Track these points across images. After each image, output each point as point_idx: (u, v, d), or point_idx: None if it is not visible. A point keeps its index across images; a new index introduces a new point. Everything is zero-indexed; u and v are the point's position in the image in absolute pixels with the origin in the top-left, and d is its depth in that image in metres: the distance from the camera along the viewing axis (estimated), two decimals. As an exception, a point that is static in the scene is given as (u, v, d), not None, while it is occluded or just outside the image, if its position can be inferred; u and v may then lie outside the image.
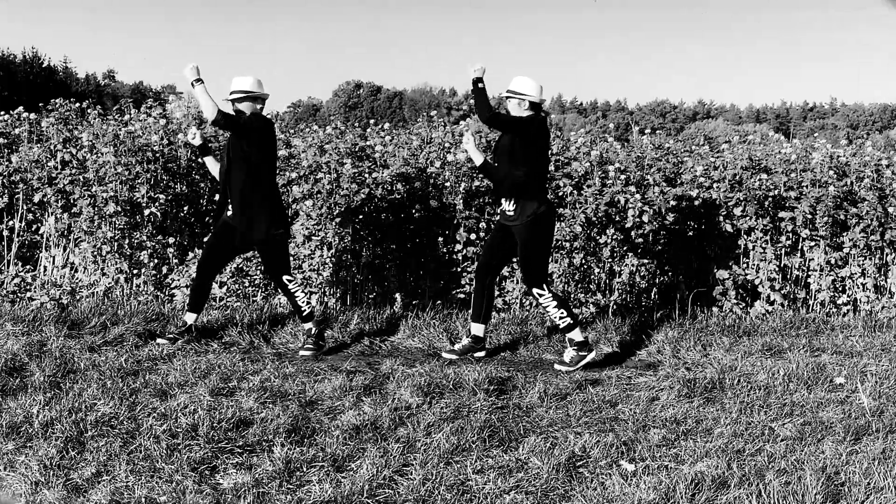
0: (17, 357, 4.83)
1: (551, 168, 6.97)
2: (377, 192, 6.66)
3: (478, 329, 5.52)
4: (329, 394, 4.45)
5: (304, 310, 5.48)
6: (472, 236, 6.66)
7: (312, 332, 5.50)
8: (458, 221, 6.69)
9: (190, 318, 5.56)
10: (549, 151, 6.01)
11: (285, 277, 5.46)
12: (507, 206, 5.29)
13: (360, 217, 6.66)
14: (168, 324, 5.82)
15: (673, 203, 6.86)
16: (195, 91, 5.07)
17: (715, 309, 6.91)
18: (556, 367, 5.23)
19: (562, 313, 5.26)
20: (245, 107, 5.29)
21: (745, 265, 7.04)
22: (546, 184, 5.49)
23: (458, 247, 6.67)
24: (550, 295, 5.28)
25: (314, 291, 6.63)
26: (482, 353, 5.49)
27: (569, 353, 5.30)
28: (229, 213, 5.40)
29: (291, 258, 6.48)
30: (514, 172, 5.19)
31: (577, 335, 5.32)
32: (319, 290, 6.64)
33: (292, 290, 5.43)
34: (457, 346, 5.50)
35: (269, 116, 5.65)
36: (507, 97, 5.29)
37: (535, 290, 5.28)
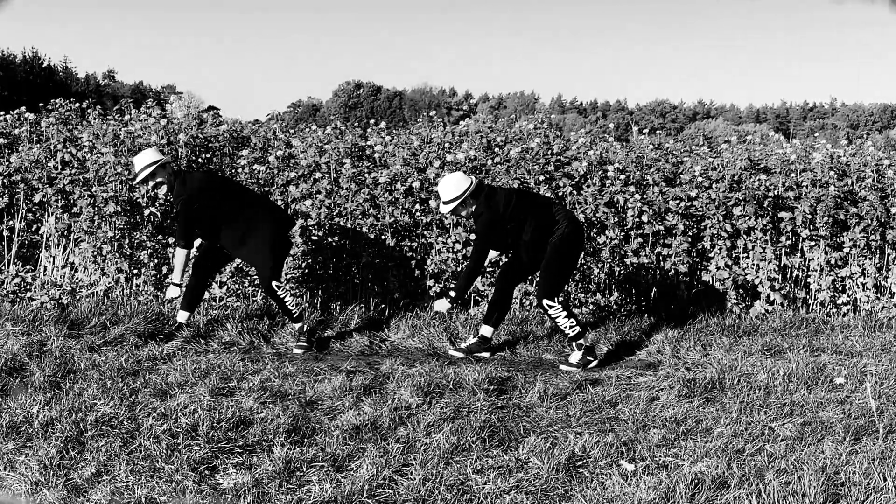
0: (17, 357, 4.83)
1: (551, 168, 6.97)
2: (377, 192, 6.66)
3: (487, 331, 5.57)
4: (329, 394, 4.45)
5: (294, 312, 5.56)
6: (472, 236, 6.65)
7: (304, 329, 5.58)
8: (458, 221, 6.69)
9: (182, 316, 5.59)
10: (527, 184, 6.29)
11: (275, 283, 5.50)
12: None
13: (360, 217, 6.66)
14: (169, 324, 5.82)
15: (672, 203, 6.86)
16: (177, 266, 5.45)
17: (715, 309, 6.91)
18: (562, 367, 5.24)
19: (571, 323, 5.29)
20: (161, 178, 5.41)
21: (745, 265, 7.04)
22: (557, 210, 5.42)
23: (458, 246, 6.67)
24: (560, 306, 5.29)
25: (315, 292, 6.63)
26: (487, 354, 5.51)
27: (575, 356, 5.33)
28: None
29: (291, 258, 6.49)
30: (525, 240, 5.27)
31: (585, 341, 5.38)
32: (319, 290, 6.64)
33: (281, 296, 5.49)
34: (463, 345, 5.53)
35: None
36: (455, 207, 5.23)
37: (545, 302, 5.26)
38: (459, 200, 5.19)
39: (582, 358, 5.31)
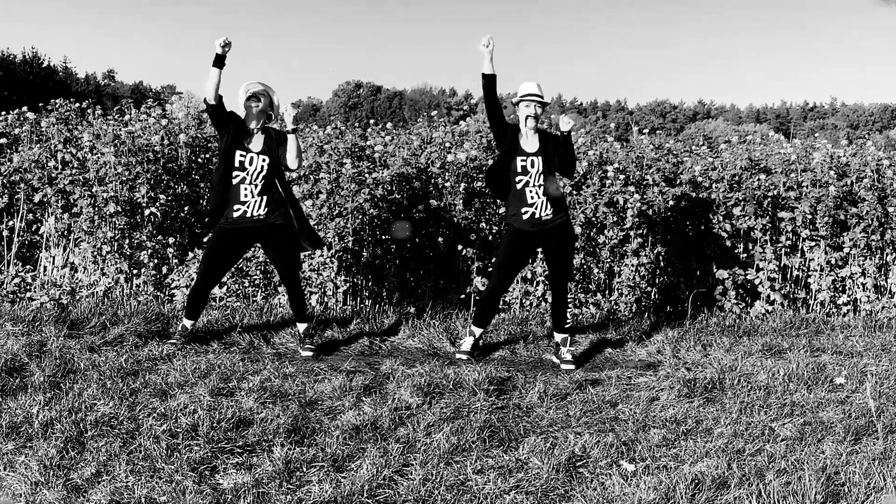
0: (17, 357, 4.82)
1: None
2: (377, 192, 6.66)
3: (478, 331, 5.57)
4: (329, 394, 4.45)
5: (308, 309, 5.55)
6: (472, 236, 6.66)
7: (310, 331, 5.54)
8: (460, 222, 6.69)
9: (188, 324, 5.52)
10: None
11: (299, 273, 5.49)
12: (545, 211, 5.25)
13: (360, 217, 6.66)
14: (169, 324, 5.82)
15: (672, 203, 6.85)
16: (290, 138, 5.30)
17: (715, 309, 6.91)
18: (563, 367, 5.25)
19: (572, 313, 5.38)
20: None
21: (744, 265, 7.03)
22: None
23: (458, 247, 6.68)
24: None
25: (314, 291, 6.63)
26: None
27: (570, 352, 5.38)
28: (236, 214, 5.22)
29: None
30: (564, 179, 5.32)
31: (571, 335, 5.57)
32: (319, 290, 6.64)
33: (303, 288, 5.46)
34: (464, 347, 5.52)
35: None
36: (544, 104, 5.29)
37: (569, 285, 5.44)
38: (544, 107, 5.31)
39: (573, 350, 5.47)
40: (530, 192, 5.21)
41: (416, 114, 13.89)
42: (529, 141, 5.29)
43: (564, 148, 5.26)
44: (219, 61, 5.10)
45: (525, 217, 5.24)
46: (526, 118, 5.25)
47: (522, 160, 5.22)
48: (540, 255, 6.21)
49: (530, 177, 5.21)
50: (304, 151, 5.28)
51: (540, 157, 5.22)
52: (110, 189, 6.58)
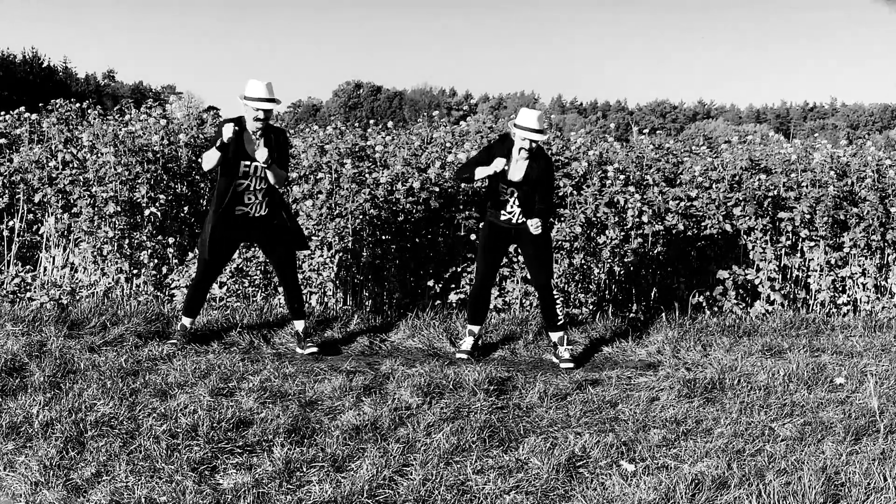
0: (17, 357, 4.83)
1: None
2: (377, 193, 6.66)
3: (476, 329, 5.59)
4: (329, 394, 4.45)
5: (304, 307, 5.57)
6: (472, 237, 6.65)
7: (308, 330, 5.59)
8: (458, 222, 6.69)
9: (187, 322, 5.54)
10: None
11: (297, 271, 5.53)
12: (520, 218, 5.37)
13: (360, 217, 6.66)
14: (169, 324, 5.82)
15: (672, 203, 6.85)
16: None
17: (715, 309, 6.91)
18: (563, 366, 5.26)
19: (563, 311, 5.38)
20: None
21: (744, 265, 7.03)
22: None
23: (458, 247, 6.67)
24: (556, 291, 5.54)
25: (314, 291, 6.63)
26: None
27: (568, 351, 5.41)
28: (238, 214, 5.25)
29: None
30: (549, 200, 5.38)
31: (568, 333, 5.58)
32: (319, 290, 6.64)
33: (300, 287, 5.49)
34: (464, 347, 5.53)
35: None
36: (538, 136, 5.27)
37: (552, 282, 5.45)
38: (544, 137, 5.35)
39: (572, 349, 5.49)
40: (511, 202, 5.38)
41: (417, 114, 13.91)
42: (517, 167, 5.35)
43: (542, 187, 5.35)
44: (223, 147, 5.12)
45: (502, 218, 5.43)
46: (520, 150, 5.31)
47: (504, 187, 5.37)
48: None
49: (513, 197, 5.38)
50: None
51: (522, 189, 5.32)
52: (110, 189, 6.58)
